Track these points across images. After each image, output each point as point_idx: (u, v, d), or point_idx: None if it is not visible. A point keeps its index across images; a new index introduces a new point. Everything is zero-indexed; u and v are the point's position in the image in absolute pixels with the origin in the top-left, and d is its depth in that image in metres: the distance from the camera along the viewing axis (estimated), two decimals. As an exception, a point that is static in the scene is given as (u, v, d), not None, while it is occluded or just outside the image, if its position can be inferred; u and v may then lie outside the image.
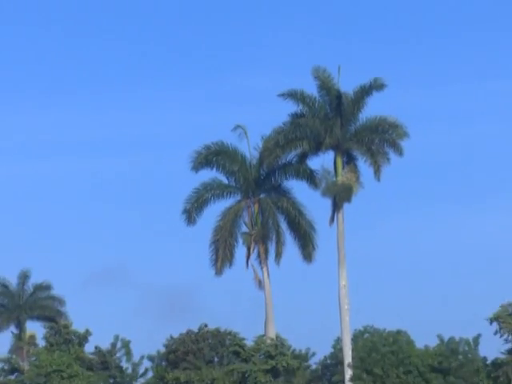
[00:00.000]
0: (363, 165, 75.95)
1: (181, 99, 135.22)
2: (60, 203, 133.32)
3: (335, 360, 78.68)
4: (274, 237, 78.32)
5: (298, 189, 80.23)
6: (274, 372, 72.80)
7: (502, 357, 75.24)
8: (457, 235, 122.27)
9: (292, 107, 76.95)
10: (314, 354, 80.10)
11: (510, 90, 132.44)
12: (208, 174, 78.52)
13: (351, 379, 72.44)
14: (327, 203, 76.72)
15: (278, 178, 78.95)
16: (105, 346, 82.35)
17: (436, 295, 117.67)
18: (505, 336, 75.32)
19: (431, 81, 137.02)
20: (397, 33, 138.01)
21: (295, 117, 77.07)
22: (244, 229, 78.47)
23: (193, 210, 78.03)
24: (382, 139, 75.31)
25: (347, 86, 76.56)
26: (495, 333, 75.80)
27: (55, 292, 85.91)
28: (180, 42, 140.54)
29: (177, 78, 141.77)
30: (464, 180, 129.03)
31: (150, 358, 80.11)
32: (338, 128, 75.18)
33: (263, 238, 77.68)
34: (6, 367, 78.91)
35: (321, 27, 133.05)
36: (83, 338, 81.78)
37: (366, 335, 78.82)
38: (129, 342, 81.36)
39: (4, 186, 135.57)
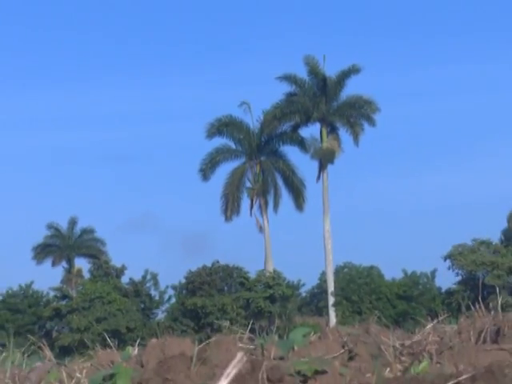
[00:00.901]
0: (344, 134, 78.26)
1: (198, 81, 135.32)
2: (103, 164, 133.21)
3: (321, 289, 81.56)
4: (272, 191, 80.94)
5: (291, 153, 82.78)
6: (271, 299, 75.79)
7: (454, 287, 78.20)
8: (417, 189, 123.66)
9: (287, 88, 79.29)
10: (303, 285, 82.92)
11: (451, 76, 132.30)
12: (219, 141, 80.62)
13: (333, 305, 75.88)
14: (315, 164, 79.28)
15: (276, 144, 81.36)
16: (137, 277, 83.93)
17: (402, 237, 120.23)
18: (456, 270, 77.89)
19: (402, 65, 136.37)
20: (373, 26, 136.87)
21: (289, 95, 79.68)
22: (248, 185, 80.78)
23: (207, 170, 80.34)
24: (358, 113, 78.05)
25: (332, 70, 79.22)
26: (448, 268, 78.83)
27: (98, 235, 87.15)
28: (198, 36, 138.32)
29: (196, 63, 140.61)
30: (423, 146, 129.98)
31: (173, 288, 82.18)
32: (323, 104, 77.95)
33: (263, 192, 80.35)
34: (58, 295, 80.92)
35: (310, 21, 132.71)
36: (120, 272, 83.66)
37: (346, 270, 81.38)
38: (156, 274, 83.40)
39: (59, 151, 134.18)
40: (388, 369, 5.04)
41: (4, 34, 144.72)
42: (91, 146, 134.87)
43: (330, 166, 79.07)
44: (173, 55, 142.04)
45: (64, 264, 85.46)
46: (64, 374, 5.61)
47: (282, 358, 5.40)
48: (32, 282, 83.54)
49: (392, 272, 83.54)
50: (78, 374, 5.54)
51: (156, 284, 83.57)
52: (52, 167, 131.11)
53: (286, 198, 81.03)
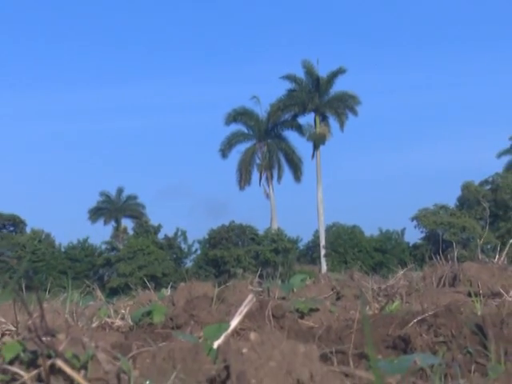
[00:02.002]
0: (333, 121, 78.38)
1: (218, 80, 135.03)
2: (146, 144, 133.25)
3: (314, 244, 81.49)
4: (276, 166, 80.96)
5: (291, 136, 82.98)
6: (276, 251, 76.05)
7: (419, 242, 78.59)
8: (390, 163, 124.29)
9: (288, 85, 79.57)
10: (301, 240, 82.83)
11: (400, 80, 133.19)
12: (235, 127, 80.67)
13: (324, 256, 75.98)
14: (310, 145, 79.37)
15: (279, 129, 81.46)
16: (170, 234, 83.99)
17: (378, 202, 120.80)
18: (421, 229, 78.24)
19: (382, 66, 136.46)
20: (357, 35, 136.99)
21: (290, 91, 79.74)
22: (257, 161, 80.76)
23: (225, 149, 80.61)
24: (344, 105, 78.03)
25: (323, 70, 79.68)
26: (415, 227, 79.21)
27: (139, 200, 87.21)
28: (219, 43, 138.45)
29: (215, 65, 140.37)
30: (396, 130, 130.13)
31: (199, 242, 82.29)
32: (316, 98, 78.01)
33: (269, 167, 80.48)
34: (108, 247, 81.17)
35: (308, 32, 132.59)
36: (157, 229, 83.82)
37: (334, 228, 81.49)
38: (185, 231, 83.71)
39: (111, 134, 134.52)
40: (368, 307, 5.01)
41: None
42: (135, 131, 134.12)
43: (321, 147, 79.32)
44: (202, 58, 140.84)
45: (113, 223, 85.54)
46: (111, 311, 5.59)
47: (283, 298, 5.36)
48: (88, 237, 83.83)
49: (370, 230, 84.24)
50: (122, 311, 5.51)
51: (185, 239, 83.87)
52: (106, 147, 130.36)
53: (287, 171, 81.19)
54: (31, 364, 2.18)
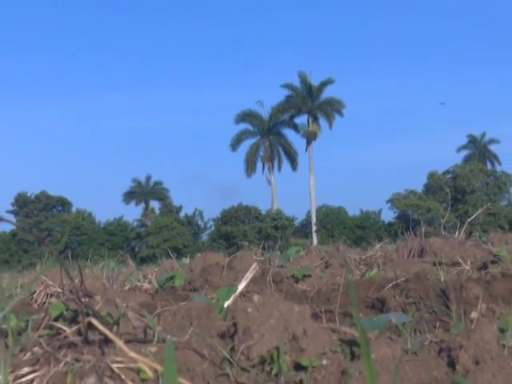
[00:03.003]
0: (322, 122, 78.39)
1: (230, 87, 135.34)
2: (171, 140, 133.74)
3: (307, 221, 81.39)
4: (276, 158, 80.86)
5: (289, 133, 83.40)
6: (275, 227, 76.34)
7: (393, 221, 78.80)
8: (369, 156, 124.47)
9: (286, 91, 79.55)
10: (296, 218, 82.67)
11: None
12: (243, 126, 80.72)
13: (315, 231, 75.83)
14: (304, 141, 79.42)
15: (279, 128, 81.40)
16: (189, 213, 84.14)
17: (359, 187, 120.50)
18: (394, 210, 78.52)
19: (362, 76, 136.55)
20: (344, 49, 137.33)
21: (288, 96, 79.73)
22: (261, 154, 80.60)
23: (235, 144, 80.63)
24: (331, 108, 78.04)
25: (316, 79, 79.60)
26: (389, 208, 79.58)
27: (164, 185, 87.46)
28: (229, 54, 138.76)
29: (229, 75, 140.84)
30: (372, 128, 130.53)
31: (213, 220, 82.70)
32: (309, 102, 78.07)
33: (271, 159, 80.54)
34: (139, 224, 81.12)
35: (301, 47, 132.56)
36: (178, 209, 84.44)
37: (323, 209, 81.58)
38: (202, 211, 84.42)
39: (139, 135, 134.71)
40: (351, 274, 4.99)
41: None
42: (161, 128, 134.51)
43: (313, 142, 79.28)
44: (217, 69, 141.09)
45: (143, 204, 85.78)
46: (141, 276, 5.56)
47: (281, 267, 5.33)
48: (122, 216, 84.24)
49: (353, 210, 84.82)
50: (149, 276, 5.49)
51: (202, 217, 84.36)
52: (139, 141, 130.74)
53: (285, 162, 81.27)
54: (72, 321, 2.16)
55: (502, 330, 2.17)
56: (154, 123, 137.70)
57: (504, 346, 2.05)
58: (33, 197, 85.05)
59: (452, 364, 1.96)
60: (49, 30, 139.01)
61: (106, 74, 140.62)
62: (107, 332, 1.92)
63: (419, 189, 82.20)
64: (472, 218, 6.33)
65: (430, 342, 2.17)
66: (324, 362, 2.01)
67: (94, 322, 1.98)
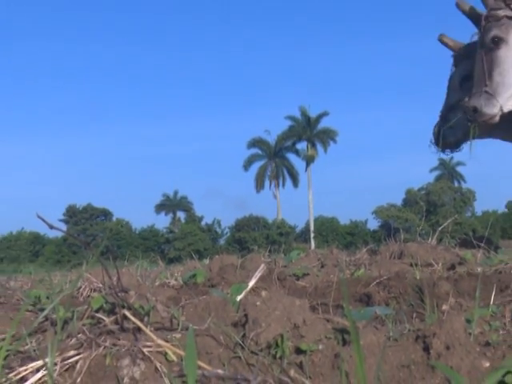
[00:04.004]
0: (319, 147, 78.37)
1: (244, 118, 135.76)
2: (196, 160, 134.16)
3: (306, 229, 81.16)
4: (281, 177, 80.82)
5: (291, 157, 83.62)
6: (280, 234, 76.23)
7: (377, 229, 78.47)
8: (356, 175, 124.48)
9: (290, 122, 79.42)
10: (297, 226, 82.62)
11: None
12: (254, 150, 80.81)
13: (313, 237, 75.56)
14: (303, 163, 79.60)
15: (283, 152, 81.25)
16: (209, 221, 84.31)
17: (349, 202, 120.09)
18: (378, 220, 78.40)
19: (353, 108, 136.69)
20: (337, 85, 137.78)
21: (290, 126, 79.91)
22: (268, 173, 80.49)
23: (247, 165, 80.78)
24: (327, 136, 78.01)
25: (314, 111, 79.60)
26: (374, 218, 79.53)
27: (189, 199, 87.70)
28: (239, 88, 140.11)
29: (241, 108, 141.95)
30: (360, 152, 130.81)
31: (229, 227, 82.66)
32: (308, 131, 78.01)
33: (276, 177, 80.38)
34: (168, 230, 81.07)
35: (302, 84, 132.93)
36: (200, 219, 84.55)
37: (319, 219, 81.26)
38: (220, 220, 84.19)
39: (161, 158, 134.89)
40: (342, 273, 4.95)
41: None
42: (187, 151, 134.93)
43: (311, 164, 79.19)
44: (234, 102, 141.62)
45: (171, 215, 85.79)
46: (169, 274, 5.53)
47: (285, 267, 5.30)
48: (154, 224, 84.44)
49: (344, 220, 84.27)
50: (176, 274, 5.46)
51: (219, 225, 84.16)
52: (169, 162, 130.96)
53: (288, 181, 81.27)
54: (111, 312, 2.15)
55: (468, 321, 2.16)
56: (181, 147, 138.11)
57: (470, 334, 2.03)
58: (80, 208, 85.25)
59: (427, 349, 1.95)
60: (100, 68, 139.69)
61: (140, 107, 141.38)
62: (138, 322, 1.90)
63: (399, 202, 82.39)
64: (442, 227, 6.29)
65: (409, 330, 2.16)
66: (320, 347, 1.99)
67: (127, 313, 1.96)
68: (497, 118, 6.46)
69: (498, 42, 6.38)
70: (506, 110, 6.41)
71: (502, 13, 6.31)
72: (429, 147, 7.15)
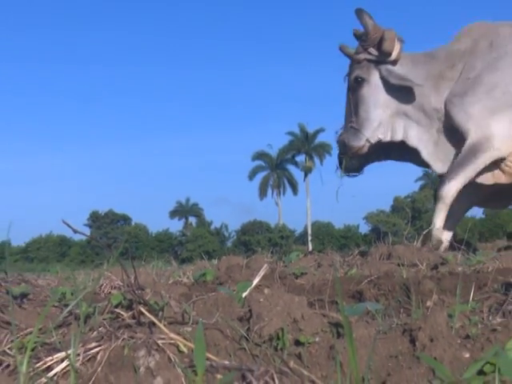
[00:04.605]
0: (316, 160, 78.55)
1: (248, 133, 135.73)
2: (207, 171, 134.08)
3: (304, 233, 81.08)
4: (282, 186, 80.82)
5: (292, 168, 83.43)
6: (281, 237, 76.23)
7: (368, 233, 78.20)
8: (350, 184, 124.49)
9: (290, 137, 79.41)
10: (296, 230, 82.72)
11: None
12: (258, 162, 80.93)
13: (310, 240, 75.52)
14: (302, 174, 79.74)
15: (284, 164, 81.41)
16: (218, 225, 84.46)
17: (343, 208, 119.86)
18: (369, 224, 78.27)
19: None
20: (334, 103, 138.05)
21: (291, 141, 79.90)
22: (271, 183, 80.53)
23: (252, 175, 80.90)
24: (323, 150, 77.92)
25: (311, 128, 79.66)
26: (365, 223, 79.42)
27: (200, 205, 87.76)
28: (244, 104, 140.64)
29: (247, 124, 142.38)
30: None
31: (235, 231, 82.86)
32: (306, 146, 78.11)
33: (278, 187, 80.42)
34: (181, 234, 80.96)
35: (302, 101, 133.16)
36: (210, 223, 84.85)
37: (316, 223, 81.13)
38: (227, 224, 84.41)
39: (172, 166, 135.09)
40: (337, 272, 4.94)
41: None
42: (200, 164, 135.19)
43: (309, 175, 79.10)
44: (239, 119, 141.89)
45: (184, 219, 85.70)
46: (181, 273, 5.52)
47: (285, 266, 5.28)
48: (168, 228, 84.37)
49: (338, 224, 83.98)
50: (188, 273, 5.45)
51: (227, 229, 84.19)
52: (183, 173, 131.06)
53: (288, 189, 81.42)
54: (128, 307, 2.14)
55: (450, 316, 2.16)
56: (192, 159, 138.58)
57: (452, 327, 2.03)
58: (103, 214, 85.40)
59: (413, 341, 1.94)
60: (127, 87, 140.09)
61: (157, 122, 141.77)
62: (152, 317, 1.90)
63: (387, 209, 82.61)
64: (426, 231, 6.28)
65: (396, 324, 2.15)
66: (317, 339, 1.98)
67: (143, 309, 1.96)
68: (365, 149, 6.72)
69: (360, 82, 6.57)
70: (373, 141, 6.65)
71: (362, 56, 6.52)
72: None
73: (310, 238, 77.53)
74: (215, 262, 7.28)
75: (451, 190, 6.19)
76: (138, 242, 78.14)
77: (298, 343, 1.95)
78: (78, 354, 1.81)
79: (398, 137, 6.67)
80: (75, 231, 2.06)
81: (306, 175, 78.58)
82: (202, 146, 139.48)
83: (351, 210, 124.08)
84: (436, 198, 6.34)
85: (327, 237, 78.13)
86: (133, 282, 2.18)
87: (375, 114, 6.59)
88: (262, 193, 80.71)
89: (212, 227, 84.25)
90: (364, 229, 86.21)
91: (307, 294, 3.14)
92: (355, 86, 6.63)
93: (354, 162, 7.01)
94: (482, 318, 2.26)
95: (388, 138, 6.70)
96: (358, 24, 6.36)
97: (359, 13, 6.30)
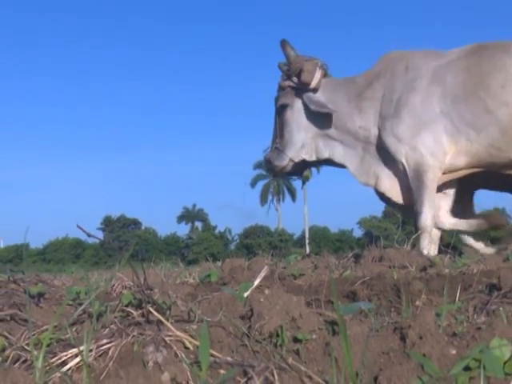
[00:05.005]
0: (313, 169, 77.76)
1: (252, 144, 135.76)
2: (212, 180, 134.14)
3: (302, 236, 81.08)
4: (281, 193, 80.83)
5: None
6: (281, 241, 76.26)
7: (361, 237, 78.15)
8: (346, 192, 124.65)
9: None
10: (294, 234, 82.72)
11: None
12: (259, 171, 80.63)
13: (308, 243, 75.34)
14: (300, 182, 78.77)
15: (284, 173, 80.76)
16: (222, 229, 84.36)
17: (339, 213, 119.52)
18: (362, 229, 78.26)
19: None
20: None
21: (289, 151, 79.20)
22: (271, 190, 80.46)
23: (253, 183, 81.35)
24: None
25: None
26: (358, 228, 79.26)
27: (205, 211, 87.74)
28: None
29: (244, 135, 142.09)
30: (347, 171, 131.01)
31: (238, 235, 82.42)
32: (304, 155, 77.59)
33: (278, 194, 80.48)
34: (187, 237, 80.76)
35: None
36: (214, 227, 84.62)
37: (313, 228, 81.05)
38: (230, 229, 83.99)
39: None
40: (332, 274, 4.92)
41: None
42: (205, 173, 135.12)
43: (307, 182, 78.93)
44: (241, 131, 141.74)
45: (190, 224, 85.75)
46: (187, 274, 5.51)
47: (284, 268, 5.27)
48: (176, 231, 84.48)
49: (334, 229, 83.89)
50: (193, 274, 5.44)
51: (230, 233, 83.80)
52: (189, 181, 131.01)
53: (287, 196, 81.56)
54: (138, 306, 2.14)
55: (438, 315, 2.16)
56: (199, 167, 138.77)
57: (439, 326, 2.02)
58: (115, 218, 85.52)
59: (403, 338, 1.93)
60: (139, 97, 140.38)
61: (166, 134, 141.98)
62: (159, 316, 1.89)
63: (379, 214, 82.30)
64: (415, 235, 6.28)
65: (388, 322, 2.14)
66: (313, 336, 1.97)
67: (151, 309, 1.95)
68: (288, 168, 7.18)
69: (285, 106, 6.75)
70: (296, 160, 6.99)
71: (286, 83, 6.69)
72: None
73: (307, 242, 77.46)
74: (219, 263, 7.28)
75: (427, 219, 6.27)
76: (147, 244, 78.11)
77: (296, 340, 1.95)
78: (91, 350, 1.81)
79: (324, 155, 6.91)
80: (89, 235, 2.06)
81: (303, 183, 78.06)
82: (208, 156, 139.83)
83: (346, 216, 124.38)
84: (417, 229, 6.45)
85: (323, 240, 77.94)
86: (142, 282, 2.18)
87: (298, 137, 6.79)
88: (263, 199, 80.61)
89: (216, 231, 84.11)
90: (358, 233, 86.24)
91: (305, 294, 3.13)
92: (280, 110, 6.80)
93: (298, 169, 7.07)
94: (468, 317, 2.25)
95: (314, 158, 7.00)
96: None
97: (283, 44, 6.40)
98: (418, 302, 2.69)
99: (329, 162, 7.04)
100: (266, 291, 2.15)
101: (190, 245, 78.39)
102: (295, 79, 6.63)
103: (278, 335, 1.96)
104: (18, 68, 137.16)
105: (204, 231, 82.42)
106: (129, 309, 2.12)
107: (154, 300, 2.03)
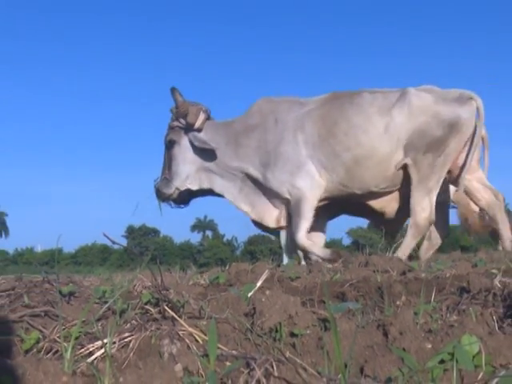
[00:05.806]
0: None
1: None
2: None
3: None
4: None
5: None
6: (280, 247, 74.72)
7: (349, 245, 77.17)
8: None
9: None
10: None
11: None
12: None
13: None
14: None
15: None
16: (229, 238, 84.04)
17: (329, 224, 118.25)
18: (350, 238, 77.51)
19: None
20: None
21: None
22: (272, 204, 79.94)
23: (256, 198, 79.81)
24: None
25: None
26: (347, 237, 78.43)
27: (215, 221, 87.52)
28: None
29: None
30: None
31: (243, 242, 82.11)
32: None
33: (277, 207, 79.70)
34: (199, 244, 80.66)
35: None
36: (223, 236, 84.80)
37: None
38: (237, 237, 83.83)
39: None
40: (324, 277, 4.89)
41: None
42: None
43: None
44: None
45: (202, 233, 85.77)
46: (199, 276, 5.48)
47: (283, 271, 5.24)
48: (189, 239, 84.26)
49: (326, 238, 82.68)
50: (204, 276, 5.41)
51: (236, 240, 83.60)
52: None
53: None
54: (156, 304, 2.13)
55: (416, 313, 2.15)
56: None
57: (417, 323, 2.00)
58: (137, 227, 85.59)
59: (386, 334, 1.92)
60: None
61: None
62: (173, 313, 1.89)
63: (365, 225, 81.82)
64: (396, 244, 6.26)
65: (372, 320, 2.13)
66: (308, 332, 1.96)
67: (166, 307, 1.94)
68: (175, 195, 7.13)
69: (172, 143, 6.97)
70: (182, 189, 7.07)
71: (175, 123, 6.94)
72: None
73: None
74: (227, 267, 7.25)
75: (302, 238, 6.54)
76: (164, 250, 78.09)
77: (292, 335, 1.94)
78: (114, 343, 1.81)
79: (206, 186, 7.08)
80: (113, 242, 2.06)
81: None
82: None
83: (336, 227, 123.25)
84: (299, 248, 6.79)
85: (317, 247, 77.76)
86: (159, 283, 2.18)
87: (183, 169, 6.99)
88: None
89: (224, 239, 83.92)
90: (346, 241, 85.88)
91: (300, 295, 3.11)
92: (169, 145, 7.00)
93: (183, 196, 7.22)
94: (442, 316, 2.24)
95: (197, 187, 7.11)
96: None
97: (172, 91, 6.73)
98: (398, 302, 2.68)
99: (210, 191, 7.24)
100: (267, 292, 2.14)
101: (201, 251, 78.28)
102: (182, 120, 6.87)
103: (277, 330, 1.95)
104: (55, 88, 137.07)
105: (214, 239, 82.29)
106: (147, 306, 2.11)
107: (169, 299, 2.02)
